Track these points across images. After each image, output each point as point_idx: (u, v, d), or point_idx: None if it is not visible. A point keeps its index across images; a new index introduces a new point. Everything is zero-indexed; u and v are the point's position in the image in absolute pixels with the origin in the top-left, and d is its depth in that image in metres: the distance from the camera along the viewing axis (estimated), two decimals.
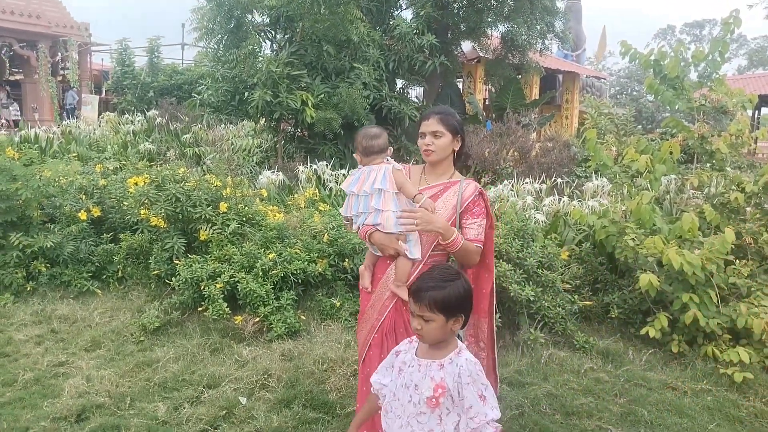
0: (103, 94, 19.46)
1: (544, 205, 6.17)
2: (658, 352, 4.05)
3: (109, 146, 9.98)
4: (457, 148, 2.66)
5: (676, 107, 5.37)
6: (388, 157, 2.64)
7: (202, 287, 4.41)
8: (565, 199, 6.41)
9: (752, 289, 4.20)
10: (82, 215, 5.41)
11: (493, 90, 13.57)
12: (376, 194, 2.57)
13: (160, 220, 4.99)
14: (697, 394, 3.54)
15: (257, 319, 4.35)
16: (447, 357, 1.94)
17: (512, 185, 6.92)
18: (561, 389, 3.54)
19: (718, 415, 3.33)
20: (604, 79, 23.61)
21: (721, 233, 4.15)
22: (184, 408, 3.34)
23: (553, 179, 7.49)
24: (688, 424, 3.20)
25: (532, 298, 4.18)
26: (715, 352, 3.90)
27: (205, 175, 6.17)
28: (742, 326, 3.88)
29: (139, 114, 13.44)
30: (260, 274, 4.52)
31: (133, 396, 3.49)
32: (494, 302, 2.84)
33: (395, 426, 1.98)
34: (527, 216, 5.29)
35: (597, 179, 7.15)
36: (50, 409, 3.32)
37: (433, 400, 1.89)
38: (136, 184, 5.44)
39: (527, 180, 7.11)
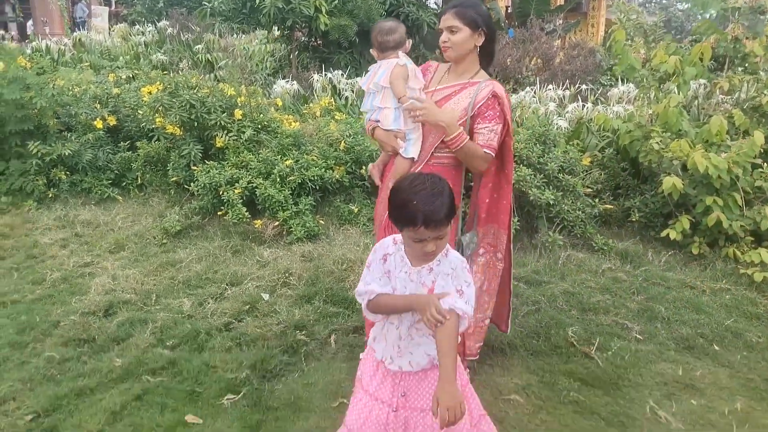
0: (113, 6, 18.96)
1: (567, 112, 6.01)
2: (678, 254, 4.03)
3: (120, 56, 9.81)
4: (479, 44, 2.42)
5: (709, 11, 5.08)
6: (400, 52, 2.51)
7: (221, 192, 4.43)
8: (589, 105, 6.22)
9: None
10: (98, 123, 5.39)
11: None
12: (380, 90, 2.50)
13: (176, 127, 4.96)
14: (716, 293, 3.55)
15: (276, 223, 4.38)
16: (435, 260, 1.80)
17: (534, 92, 6.71)
18: (578, 287, 3.57)
19: (736, 312, 3.34)
20: None
21: (750, 137, 4.02)
22: (209, 303, 3.43)
23: (576, 86, 7.25)
24: (704, 320, 3.23)
25: (551, 202, 4.14)
26: (736, 254, 3.88)
27: (218, 83, 6.07)
28: (766, 228, 3.83)
29: (149, 25, 13.12)
30: (278, 180, 4.51)
31: (158, 293, 3.58)
32: (511, 215, 2.74)
33: (392, 336, 1.88)
34: (549, 122, 5.15)
35: (623, 85, 6.91)
36: (79, 305, 3.43)
37: None
38: (149, 92, 5.38)
39: (550, 87, 6.89)
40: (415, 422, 1.82)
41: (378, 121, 2.54)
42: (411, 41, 2.60)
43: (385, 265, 1.84)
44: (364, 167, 4.83)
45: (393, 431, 1.82)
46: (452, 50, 2.43)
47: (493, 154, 2.40)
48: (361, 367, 1.98)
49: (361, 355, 2.07)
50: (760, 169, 4.16)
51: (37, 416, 2.55)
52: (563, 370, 2.84)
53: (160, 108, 5.07)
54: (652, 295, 3.47)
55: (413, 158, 2.48)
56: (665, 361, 2.91)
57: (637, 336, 3.10)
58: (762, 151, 4.08)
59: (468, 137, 2.35)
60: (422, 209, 1.67)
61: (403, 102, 2.40)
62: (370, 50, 2.62)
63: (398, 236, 1.84)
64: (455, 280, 1.78)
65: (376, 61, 2.59)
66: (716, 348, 3.01)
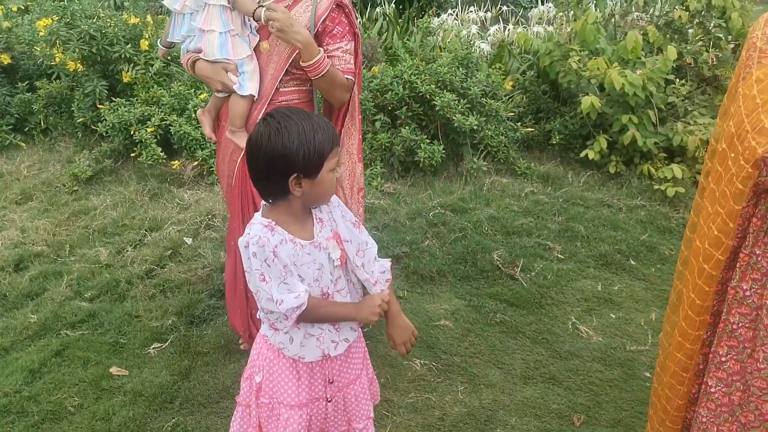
0: None
1: (489, 35, 5.95)
2: (596, 174, 4.16)
3: None
4: None
5: None
6: None
7: (132, 132, 4.17)
8: (511, 27, 6.17)
9: (689, 109, 4.28)
10: None
11: None
12: (201, 10, 1.97)
13: (77, 63, 4.57)
14: (632, 210, 3.71)
15: (196, 162, 4.19)
16: (321, 211, 1.50)
17: (456, 15, 6.59)
18: (502, 212, 3.64)
19: (650, 227, 3.51)
20: None
21: (663, 54, 4.11)
22: (127, 251, 3.28)
23: (498, 8, 7.16)
24: (621, 236, 3.38)
25: (475, 128, 4.14)
26: (650, 170, 4.04)
27: (119, 11, 5.60)
28: (678, 144, 3.99)
29: None
30: (193, 116, 4.27)
31: (72, 243, 3.40)
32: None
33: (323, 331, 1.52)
34: (471, 45, 5.08)
35: (543, 5, 6.88)
36: None
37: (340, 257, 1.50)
38: (45, 25, 4.89)
39: (472, 9, 6.77)
40: (349, 398, 1.62)
41: (199, 50, 2.03)
42: None
43: (280, 261, 1.38)
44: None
45: (333, 419, 1.61)
46: None
47: (354, 80, 2.06)
48: (270, 384, 1.53)
49: (250, 371, 1.58)
50: (673, 86, 4.28)
51: None
52: (490, 293, 2.92)
53: (57, 42, 4.64)
54: (572, 215, 3.58)
55: (252, 96, 2.03)
56: (585, 278, 3.04)
57: (559, 255, 3.22)
58: (674, 67, 4.20)
59: (330, 61, 1.96)
60: (325, 135, 1.36)
61: (257, 17, 1.90)
62: None
63: (261, 220, 1.41)
64: (346, 216, 1.54)
65: None
66: (632, 263, 3.17)
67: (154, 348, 2.58)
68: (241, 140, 2.02)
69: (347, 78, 2.02)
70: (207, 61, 2.01)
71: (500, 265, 3.11)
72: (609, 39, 5.15)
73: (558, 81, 4.50)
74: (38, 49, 4.91)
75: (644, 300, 2.87)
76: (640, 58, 4.27)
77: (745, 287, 1.32)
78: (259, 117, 1.98)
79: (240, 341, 2.56)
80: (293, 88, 2.07)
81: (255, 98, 2.04)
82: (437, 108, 4.12)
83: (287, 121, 1.35)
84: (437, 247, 3.31)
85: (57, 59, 4.66)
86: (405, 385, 2.38)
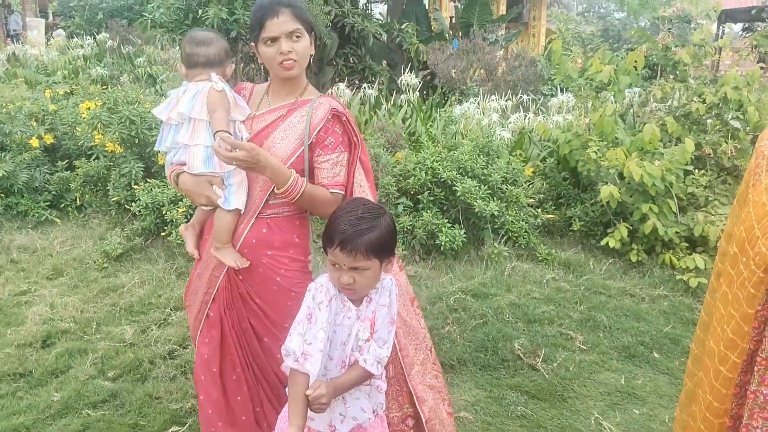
0: (50, 19, 18.31)
1: (510, 122, 6.14)
2: (618, 262, 4.17)
3: (58, 71, 9.48)
4: (313, 53, 1.93)
5: (642, 18, 5.30)
6: (214, 75, 1.91)
7: (164, 212, 4.32)
8: (531, 115, 6.37)
9: (709, 198, 4.31)
10: (34, 142, 5.18)
11: (459, 6, 13.18)
12: (186, 123, 1.89)
13: (116, 145, 4.82)
14: (654, 300, 3.68)
15: None
16: (376, 289, 1.65)
17: (478, 103, 6.83)
18: (524, 299, 3.64)
19: (674, 318, 3.47)
20: None
21: (682, 144, 4.20)
22: (152, 330, 3.34)
23: (519, 96, 7.42)
24: (644, 327, 3.34)
25: (496, 213, 4.21)
26: (672, 260, 4.03)
27: (160, 97, 5.93)
28: (699, 234, 4.00)
29: (88, 37, 12.72)
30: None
31: (99, 321, 3.47)
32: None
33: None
34: (492, 133, 5.25)
35: (562, 95, 7.11)
36: (14, 336, 3.29)
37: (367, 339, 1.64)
38: (88, 108, 5.21)
39: (493, 98, 7.03)
40: None
41: (183, 164, 1.92)
42: (234, 66, 2.05)
43: (330, 311, 1.55)
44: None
45: None
46: (298, 65, 1.88)
47: (343, 192, 1.95)
48: None
49: None
50: (692, 176, 4.34)
51: None
52: (511, 384, 2.89)
53: (99, 125, 4.92)
54: (594, 304, 3.57)
55: (239, 210, 1.91)
56: (608, 371, 3.00)
57: (581, 346, 3.19)
58: (693, 157, 4.27)
59: (305, 180, 1.88)
60: (341, 228, 1.54)
61: (214, 146, 1.74)
62: (178, 65, 2.12)
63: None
64: (391, 308, 1.65)
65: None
66: (656, 355, 3.13)
67: (172, 431, 2.58)
68: (227, 257, 1.91)
69: (332, 192, 1.91)
70: (191, 174, 1.91)
71: (522, 355, 3.09)
72: (628, 128, 5.29)
73: (578, 168, 4.59)
74: (79, 130, 5.20)
75: (668, 395, 2.81)
76: (658, 149, 4.36)
77: (765, 392, 1.32)
78: (246, 232, 1.91)
79: None
80: (283, 201, 1.92)
81: (241, 212, 1.92)
82: (458, 194, 4.23)
83: (355, 204, 1.68)
84: (458, 333, 3.31)
85: (97, 140, 4.93)
86: None
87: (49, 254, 4.41)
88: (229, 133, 1.80)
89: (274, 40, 1.84)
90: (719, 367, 1.39)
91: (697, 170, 4.40)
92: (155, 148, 2.08)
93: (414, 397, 2.02)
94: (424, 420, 2.03)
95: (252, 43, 1.94)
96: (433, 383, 2.09)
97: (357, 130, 1.99)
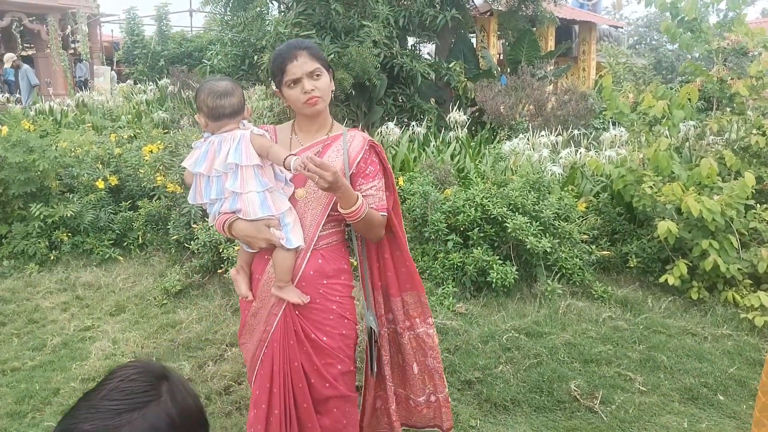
0: (115, 66, 19.42)
1: (561, 158, 6.08)
2: (678, 300, 4.03)
3: (122, 116, 10.01)
4: (333, 89, 2.07)
5: (694, 51, 5.22)
6: (244, 122, 2.01)
7: (221, 250, 4.46)
8: (582, 150, 6.30)
9: None
10: (100, 184, 5.47)
11: (507, 43, 13.28)
12: (232, 173, 1.95)
13: (177, 185, 5.03)
14: (717, 339, 3.53)
15: None
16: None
17: (528, 138, 6.82)
18: (579, 338, 3.56)
19: (739, 359, 3.32)
20: (622, 28, 22.93)
21: (742, 178, 4.07)
22: (209, 366, 3.42)
23: (569, 131, 7.36)
24: (708, 368, 3.20)
25: (548, 250, 4.16)
26: (735, 298, 3.87)
27: None
28: (763, 271, 3.84)
29: (150, 83, 13.41)
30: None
31: (158, 356, 3.57)
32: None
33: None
34: (543, 168, 5.22)
35: (614, 129, 7.02)
36: (79, 371, 3.43)
37: None
38: (150, 151, 5.48)
39: (543, 133, 7.00)
40: None
41: (236, 211, 1.98)
42: (251, 108, 2.13)
43: None
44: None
45: None
46: (322, 100, 1.99)
47: (386, 216, 2.08)
48: None
49: None
50: (754, 210, 4.19)
51: None
52: (567, 427, 2.81)
53: (160, 167, 5.16)
54: (653, 344, 3.45)
55: (299, 247, 2.00)
56: (670, 414, 2.88)
57: (641, 387, 3.08)
58: (754, 191, 4.13)
59: (366, 203, 1.97)
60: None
61: (287, 166, 1.88)
62: (196, 117, 2.09)
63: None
64: None
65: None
66: (721, 398, 2.98)
67: None
68: (291, 295, 2.01)
69: (381, 215, 2.04)
70: (248, 220, 1.97)
71: (578, 396, 3.00)
72: (684, 162, 5.16)
73: (633, 204, 4.50)
74: (142, 172, 5.47)
75: None
76: (716, 183, 4.24)
77: None
78: (304, 265, 2.02)
79: None
80: (331, 230, 2.05)
81: (302, 248, 2.02)
82: (509, 230, 4.20)
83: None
84: (511, 373, 3.25)
85: (158, 182, 5.16)
86: None
87: (112, 291, 4.60)
88: (297, 155, 1.89)
89: (296, 81, 1.95)
90: None
91: (758, 204, 4.24)
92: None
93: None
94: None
95: (276, 89, 2.04)
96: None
97: (386, 159, 2.13)
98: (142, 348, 3.69)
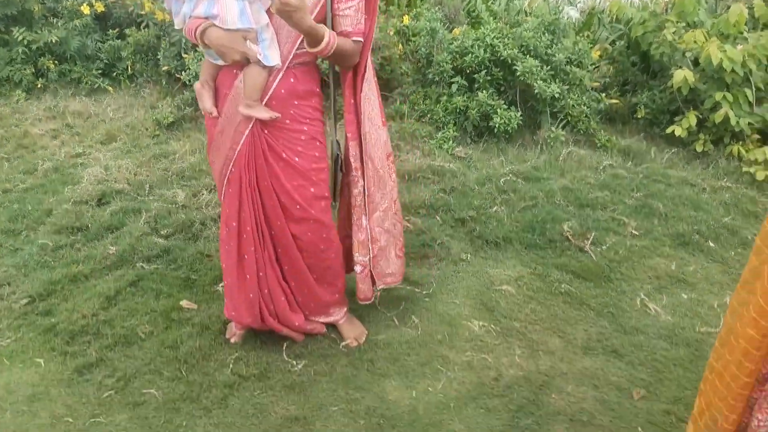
0: None
1: (579, 2, 5.68)
2: (682, 152, 3.94)
3: None
4: None
5: None
6: None
7: None
8: None
9: None
10: (85, 9, 5.12)
11: None
12: None
13: (165, 13, 4.72)
14: (716, 191, 3.49)
15: None
16: None
17: None
18: (577, 184, 3.51)
19: (734, 210, 3.30)
20: None
21: None
22: (203, 195, 3.40)
23: None
24: (702, 217, 3.19)
25: (557, 96, 3.99)
26: (740, 152, 3.78)
27: None
28: None
29: None
30: None
31: (151, 183, 3.55)
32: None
33: None
34: (560, 10, 4.87)
35: None
36: (71, 194, 3.41)
37: None
38: None
39: None
40: None
41: (211, 17, 1.81)
42: None
43: None
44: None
45: None
46: None
47: (362, 40, 1.97)
48: None
49: None
50: None
51: (32, 300, 2.59)
52: (556, 263, 2.84)
53: None
54: (651, 192, 3.41)
55: (275, 65, 1.90)
56: (659, 256, 2.90)
57: (633, 231, 3.08)
58: None
59: (335, 37, 1.87)
60: None
61: None
62: None
63: None
64: None
65: None
66: (711, 244, 3.00)
67: (222, 286, 2.67)
68: (260, 112, 1.92)
69: (354, 40, 1.94)
70: (223, 29, 1.81)
71: (570, 237, 3.01)
72: (709, 12, 4.82)
73: (650, 53, 4.25)
74: None
75: (720, 283, 2.71)
76: (742, 33, 3.97)
77: None
78: (276, 83, 1.93)
79: (232, 331, 2.38)
80: (304, 50, 1.92)
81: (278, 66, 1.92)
82: (518, 73, 4.00)
83: None
84: (505, 213, 3.24)
85: (146, 8, 4.83)
86: (462, 343, 2.37)
87: (102, 120, 4.48)
88: None
89: None
90: None
91: None
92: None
93: (369, 238, 2.26)
94: (371, 256, 2.29)
95: None
96: (389, 228, 2.31)
97: None
98: (135, 175, 3.65)
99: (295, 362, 2.26)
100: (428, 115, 4.29)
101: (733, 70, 3.71)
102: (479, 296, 2.65)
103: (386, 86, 4.86)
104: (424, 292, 2.67)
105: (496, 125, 3.96)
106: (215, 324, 2.43)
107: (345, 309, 2.42)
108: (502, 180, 3.54)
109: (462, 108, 4.11)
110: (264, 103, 1.95)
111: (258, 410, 2.06)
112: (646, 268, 2.81)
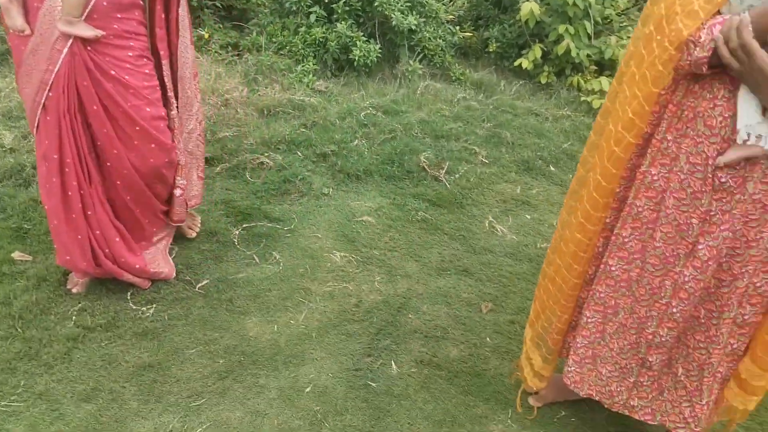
0: None
1: None
2: (528, 84, 4.16)
3: None
4: None
5: None
6: None
7: None
8: None
9: (623, 24, 4.29)
10: None
11: None
12: None
13: None
14: (557, 120, 3.75)
15: None
16: None
17: None
18: (433, 116, 3.61)
19: (573, 136, 3.57)
20: None
21: None
22: (33, 137, 3.05)
23: None
24: (545, 144, 3.43)
25: (414, 28, 4.01)
26: (580, 82, 4.07)
27: None
28: (609, 57, 4.02)
29: None
30: None
31: None
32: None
33: None
34: None
35: None
36: None
37: None
38: None
39: None
40: None
41: None
42: None
43: None
44: None
45: None
46: None
47: None
48: None
49: None
50: None
51: None
52: (414, 193, 2.93)
53: None
54: (500, 122, 3.59)
55: None
56: (506, 182, 3.09)
57: (483, 160, 3.24)
58: None
59: None
60: None
61: None
62: None
63: None
64: None
65: None
66: (552, 169, 3.24)
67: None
68: (82, 29, 1.77)
69: None
70: None
71: (426, 167, 3.11)
72: None
73: None
74: None
75: (559, 203, 2.96)
76: None
77: (653, 172, 1.35)
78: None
79: (73, 281, 2.22)
80: None
81: None
82: (376, 4, 3.96)
83: None
84: (366, 147, 3.27)
85: None
86: (324, 275, 2.39)
87: None
88: None
89: None
90: (613, 147, 1.39)
91: None
92: None
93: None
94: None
95: None
96: (193, 150, 2.30)
97: None
98: None
99: (145, 308, 2.16)
100: (287, 48, 4.15)
101: (574, 3, 3.94)
102: (341, 228, 2.68)
103: (242, 17, 4.61)
104: (286, 228, 2.64)
105: (356, 58, 3.92)
106: (53, 275, 2.25)
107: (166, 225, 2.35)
108: (363, 114, 3.55)
109: (321, 40, 4.02)
110: (84, 18, 1.78)
111: (106, 361, 1.96)
112: (495, 193, 2.99)
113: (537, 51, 4.09)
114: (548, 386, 1.87)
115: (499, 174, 3.14)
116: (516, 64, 4.18)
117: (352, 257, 2.50)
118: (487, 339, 2.14)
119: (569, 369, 1.64)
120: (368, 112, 3.58)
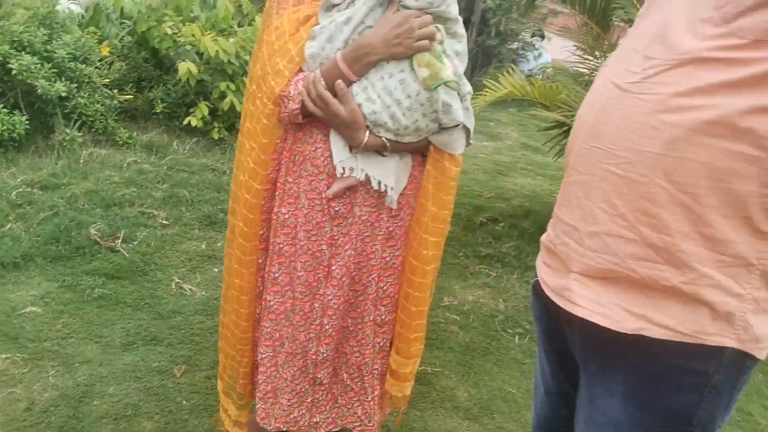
0: None
1: None
2: (202, 141, 4.23)
3: None
4: None
5: None
6: None
7: None
8: None
9: None
10: None
11: None
12: None
13: None
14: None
15: None
16: None
17: None
18: (102, 184, 3.41)
19: None
20: None
21: (254, 24, 4.37)
22: None
23: None
24: (224, 196, 3.50)
25: (65, 95, 3.74)
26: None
27: None
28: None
29: None
30: None
31: None
32: None
33: None
34: (56, 3, 4.55)
35: None
36: None
37: None
38: None
39: None
40: None
41: None
42: None
43: None
44: None
45: None
46: None
47: None
48: None
49: None
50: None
51: None
52: (87, 270, 2.72)
53: None
54: (176, 182, 3.57)
55: None
56: (190, 239, 3.08)
57: (163, 222, 3.18)
58: None
59: None
60: None
61: None
62: None
63: None
64: None
65: None
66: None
67: None
68: None
69: None
70: None
71: (99, 239, 2.91)
72: (207, 8, 5.24)
73: (157, 47, 4.38)
74: None
75: None
76: (232, 27, 4.46)
77: (284, 211, 1.50)
78: None
79: None
80: None
81: None
82: (15, 72, 3.59)
83: None
84: (22, 229, 2.92)
85: None
86: None
87: None
88: None
89: None
90: (245, 195, 1.52)
91: None
92: None
93: None
94: None
95: None
96: None
97: None
98: None
99: None
100: None
101: (230, 62, 4.15)
102: (0, 326, 2.33)
103: None
104: None
105: (0, 134, 3.49)
106: None
107: None
108: (14, 193, 3.17)
109: None
110: None
111: None
112: (179, 252, 2.95)
113: (203, 108, 4.18)
114: (248, 430, 1.90)
115: (181, 233, 3.10)
116: (185, 122, 4.21)
117: (17, 356, 2.19)
118: (184, 402, 2.08)
119: (258, 406, 1.70)
120: (21, 190, 3.22)
